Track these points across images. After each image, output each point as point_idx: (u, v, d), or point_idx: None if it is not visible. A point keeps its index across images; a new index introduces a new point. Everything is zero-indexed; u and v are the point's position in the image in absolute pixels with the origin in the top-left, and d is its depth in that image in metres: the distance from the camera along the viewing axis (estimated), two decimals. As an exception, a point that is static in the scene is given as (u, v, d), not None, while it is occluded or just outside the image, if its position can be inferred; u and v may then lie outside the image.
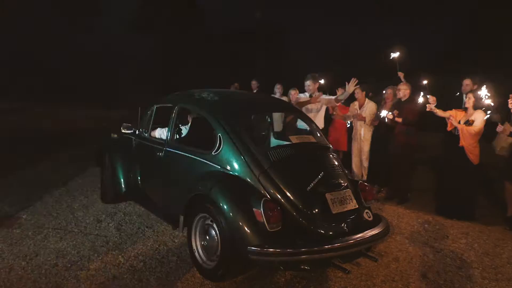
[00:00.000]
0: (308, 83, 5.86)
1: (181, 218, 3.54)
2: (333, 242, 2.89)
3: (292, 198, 3.06)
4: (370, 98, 6.36)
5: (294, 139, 3.55)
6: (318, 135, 3.82)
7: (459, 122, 5.00)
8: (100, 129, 9.98)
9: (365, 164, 6.26)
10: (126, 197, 4.87)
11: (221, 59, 23.48)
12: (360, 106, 6.23)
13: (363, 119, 6.09)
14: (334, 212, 3.10)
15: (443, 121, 5.46)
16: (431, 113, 5.21)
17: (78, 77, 20.92)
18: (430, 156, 7.69)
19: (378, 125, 6.01)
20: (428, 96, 5.20)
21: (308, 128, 3.86)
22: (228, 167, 3.31)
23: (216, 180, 3.30)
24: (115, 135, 5.33)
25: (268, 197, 3.03)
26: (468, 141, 4.90)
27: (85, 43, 22.46)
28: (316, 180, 3.17)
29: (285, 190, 3.09)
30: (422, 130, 5.86)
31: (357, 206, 3.26)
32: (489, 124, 4.85)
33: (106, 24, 24.07)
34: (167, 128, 4.21)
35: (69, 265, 3.49)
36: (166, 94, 4.63)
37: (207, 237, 3.29)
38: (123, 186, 4.77)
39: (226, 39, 24.96)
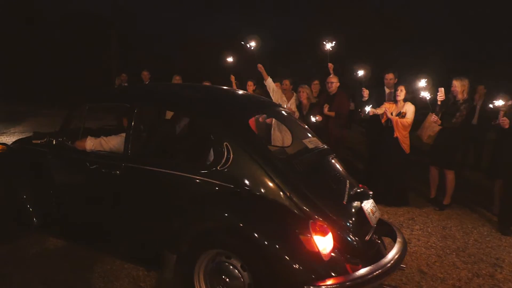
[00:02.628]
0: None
1: (173, 257, 2.64)
2: (386, 262, 2.55)
3: (332, 215, 2.58)
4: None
5: (309, 144, 3.03)
6: (316, 136, 3.38)
7: (391, 114, 5.27)
8: None
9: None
10: (40, 230, 3.50)
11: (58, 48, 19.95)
12: (288, 99, 6.00)
13: (293, 112, 5.88)
14: (373, 225, 2.75)
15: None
16: None
17: None
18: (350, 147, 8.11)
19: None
20: (362, 89, 5.34)
21: (306, 130, 3.37)
22: (246, 185, 2.58)
23: (234, 204, 2.54)
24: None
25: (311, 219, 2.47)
26: (401, 132, 5.22)
27: None
28: (347, 191, 2.77)
29: (323, 207, 2.57)
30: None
31: (380, 215, 2.99)
32: (418, 115, 5.27)
33: None
34: (117, 136, 3.12)
35: None
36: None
37: (226, 280, 2.51)
38: (34, 216, 3.42)
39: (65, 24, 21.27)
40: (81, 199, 3.27)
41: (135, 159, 2.91)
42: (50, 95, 17.63)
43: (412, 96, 5.23)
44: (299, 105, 5.77)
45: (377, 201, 5.25)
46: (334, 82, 5.60)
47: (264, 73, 5.67)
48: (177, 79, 7.27)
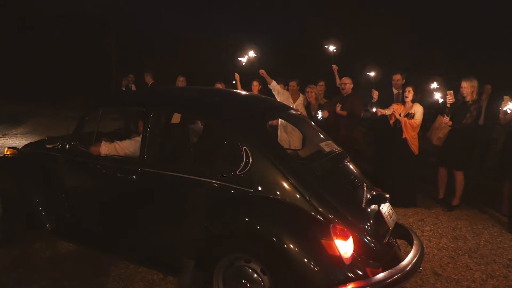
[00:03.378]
0: None
1: (191, 263, 2.63)
2: (406, 265, 2.55)
3: (352, 219, 2.57)
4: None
5: (325, 147, 3.03)
6: (330, 138, 3.37)
7: (399, 115, 5.27)
8: None
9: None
10: (52, 235, 3.49)
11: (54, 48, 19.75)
12: (294, 100, 5.98)
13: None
14: (391, 228, 2.75)
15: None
16: None
17: None
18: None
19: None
20: (372, 90, 5.34)
21: (320, 132, 3.37)
22: (265, 190, 2.57)
23: (254, 208, 2.54)
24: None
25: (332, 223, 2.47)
26: (410, 133, 5.21)
27: None
28: (365, 194, 2.76)
29: (342, 211, 2.57)
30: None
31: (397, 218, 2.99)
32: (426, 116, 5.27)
33: None
34: (132, 141, 3.11)
35: None
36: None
37: (247, 284, 2.51)
38: (47, 220, 3.41)
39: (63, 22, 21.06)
40: (95, 203, 3.26)
41: (152, 163, 2.89)
42: (50, 95, 17.61)
43: (420, 97, 5.24)
44: (308, 106, 5.75)
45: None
46: (347, 84, 5.55)
47: (267, 77, 5.67)
48: (181, 80, 7.23)
